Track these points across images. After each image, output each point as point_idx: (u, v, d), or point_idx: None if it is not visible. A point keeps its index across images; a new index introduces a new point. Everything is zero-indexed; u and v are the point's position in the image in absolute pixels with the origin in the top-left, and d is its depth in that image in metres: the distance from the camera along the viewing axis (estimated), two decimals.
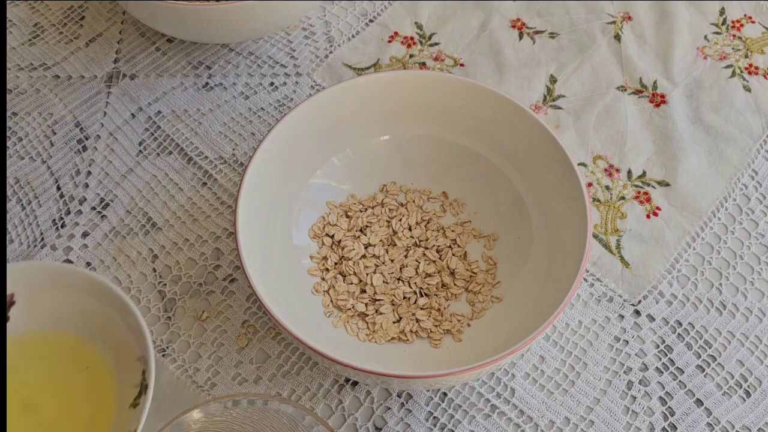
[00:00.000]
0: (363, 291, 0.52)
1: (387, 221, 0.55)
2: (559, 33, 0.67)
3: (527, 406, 0.50)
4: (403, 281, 0.52)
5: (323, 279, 0.52)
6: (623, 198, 0.58)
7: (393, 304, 0.52)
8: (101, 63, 0.65)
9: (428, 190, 0.57)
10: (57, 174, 0.60)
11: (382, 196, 0.56)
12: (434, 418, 0.50)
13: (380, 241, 0.54)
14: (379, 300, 0.51)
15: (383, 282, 0.52)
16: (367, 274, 0.52)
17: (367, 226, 0.55)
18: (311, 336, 0.44)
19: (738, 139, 0.61)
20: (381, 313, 0.51)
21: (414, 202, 0.56)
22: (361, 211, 0.55)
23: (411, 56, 0.66)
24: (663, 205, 0.58)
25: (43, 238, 0.56)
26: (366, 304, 0.51)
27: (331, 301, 0.51)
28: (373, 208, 0.55)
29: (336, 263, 0.53)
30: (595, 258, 0.56)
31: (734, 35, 0.67)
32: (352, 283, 0.52)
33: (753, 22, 0.68)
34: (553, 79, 0.64)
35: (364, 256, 0.53)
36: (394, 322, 0.51)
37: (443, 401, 0.50)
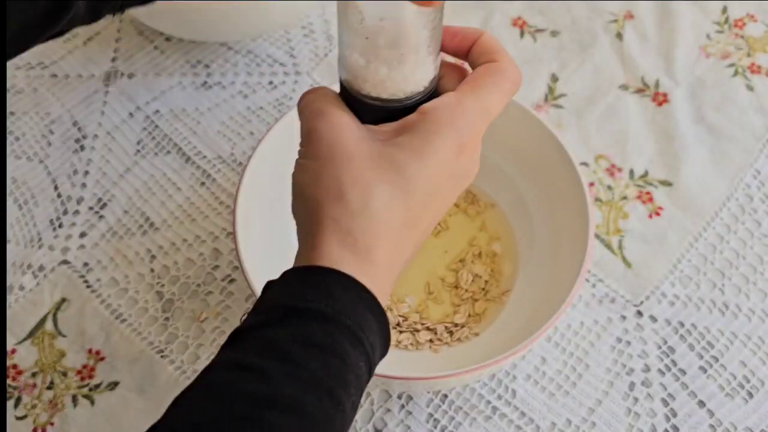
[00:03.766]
0: None
1: None
2: (561, 31, 0.67)
3: (528, 408, 0.50)
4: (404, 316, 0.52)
5: None
6: (625, 198, 0.58)
7: (388, 311, 0.51)
8: (99, 62, 0.65)
9: None
10: (54, 174, 0.59)
11: None
12: (435, 419, 0.49)
13: None
14: None
15: None
16: None
17: None
18: None
19: (741, 138, 0.61)
20: None
21: None
22: None
23: None
24: (665, 204, 0.58)
25: (40, 238, 0.56)
26: None
27: None
28: None
29: None
30: (597, 258, 0.55)
31: (737, 34, 0.67)
32: None
33: (755, 21, 0.67)
34: (554, 78, 0.64)
35: None
36: (393, 328, 0.51)
37: (444, 403, 0.50)
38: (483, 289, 0.52)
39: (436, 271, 0.53)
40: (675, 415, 0.50)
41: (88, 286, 0.54)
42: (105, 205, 0.58)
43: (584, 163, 0.59)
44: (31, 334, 0.52)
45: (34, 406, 0.50)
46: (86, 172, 0.59)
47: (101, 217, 0.57)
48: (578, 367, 0.51)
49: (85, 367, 0.51)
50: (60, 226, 0.57)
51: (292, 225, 0.54)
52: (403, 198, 0.33)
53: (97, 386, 0.51)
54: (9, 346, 0.52)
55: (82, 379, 0.51)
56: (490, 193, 0.55)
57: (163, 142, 0.61)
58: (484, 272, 0.52)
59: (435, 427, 0.49)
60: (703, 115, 0.62)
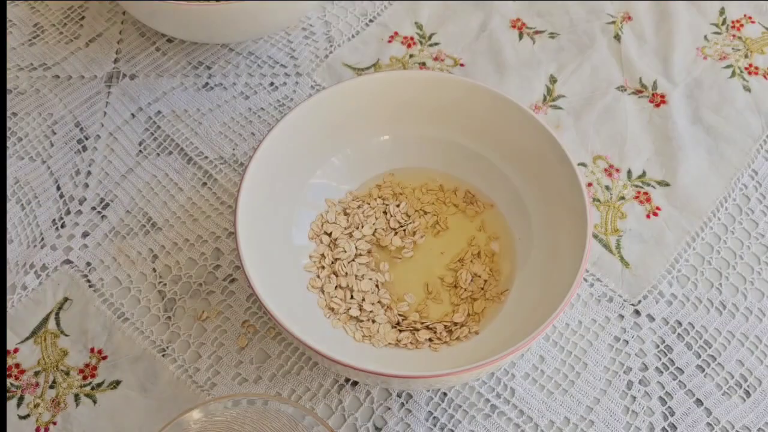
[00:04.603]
0: (351, 296, 0.52)
1: (383, 212, 0.55)
2: (559, 33, 0.67)
3: (527, 406, 0.50)
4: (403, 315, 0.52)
5: (318, 276, 0.52)
6: (623, 198, 0.58)
7: (388, 310, 0.52)
8: (101, 63, 0.65)
9: (426, 185, 0.57)
10: (57, 174, 0.59)
11: (377, 191, 0.56)
12: (434, 418, 0.50)
13: (373, 234, 0.54)
14: (370, 311, 0.51)
15: (372, 290, 0.52)
16: (356, 277, 0.52)
17: (364, 222, 0.55)
18: (311, 336, 0.44)
19: (738, 139, 0.61)
20: (375, 321, 0.51)
21: (413, 193, 0.56)
22: (358, 207, 0.55)
23: (411, 56, 0.66)
24: (663, 205, 0.58)
25: (42, 238, 0.56)
26: (360, 309, 0.51)
27: (326, 302, 0.51)
28: (368, 202, 0.55)
29: (332, 262, 0.53)
30: (595, 258, 0.56)
31: (734, 35, 0.67)
32: (339, 287, 0.52)
33: (753, 22, 0.68)
34: (553, 79, 0.64)
35: (359, 255, 0.53)
36: (392, 327, 0.51)
37: (443, 401, 0.50)
38: (482, 288, 0.52)
39: (435, 270, 0.54)
40: (672, 413, 0.50)
41: (90, 286, 0.54)
42: (107, 205, 0.58)
43: (582, 164, 0.60)
44: (33, 333, 0.53)
45: (36, 405, 0.50)
46: (88, 173, 0.59)
47: (104, 217, 0.58)
48: (576, 366, 0.52)
49: (87, 366, 0.52)
50: (62, 226, 0.57)
51: (293, 225, 0.55)
52: None
53: (100, 385, 0.51)
54: (12, 346, 0.52)
55: (85, 378, 0.51)
56: (489, 193, 0.56)
57: (165, 143, 0.61)
58: (483, 272, 0.53)
59: (434, 425, 0.49)
60: (701, 116, 0.62)
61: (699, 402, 0.50)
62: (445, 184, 0.57)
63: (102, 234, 0.57)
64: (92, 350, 0.52)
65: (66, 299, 0.54)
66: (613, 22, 0.67)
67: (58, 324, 0.53)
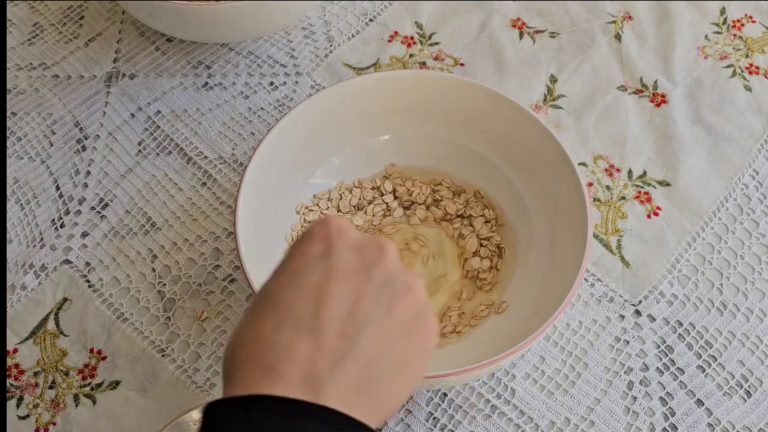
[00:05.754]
0: None
1: (394, 197, 0.55)
2: (560, 33, 0.67)
3: (527, 407, 0.50)
4: None
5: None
6: (624, 198, 0.58)
7: None
8: (101, 62, 0.65)
9: (434, 180, 0.57)
10: (56, 174, 0.59)
11: (381, 182, 0.56)
12: (434, 418, 0.50)
13: (376, 216, 0.54)
14: None
15: None
16: None
17: (371, 201, 0.55)
18: None
19: (739, 138, 0.61)
20: None
21: (417, 189, 0.56)
22: (372, 188, 0.56)
23: (411, 56, 0.66)
24: (663, 205, 0.58)
25: (42, 238, 0.56)
26: None
27: None
28: (378, 187, 0.56)
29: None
30: (595, 258, 0.56)
31: (735, 35, 0.67)
32: None
33: (754, 21, 0.68)
34: (553, 79, 0.64)
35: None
36: None
37: (443, 401, 0.50)
38: (484, 287, 0.52)
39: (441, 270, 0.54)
40: (673, 413, 0.50)
41: (89, 286, 0.54)
42: (107, 205, 0.58)
43: (583, 164, 0.60)
44: (33, 333, 0.53)
45: (36, 406, 0.50)
46: (88, 173, 0.59)
47: (103, 217, 0.57)
48: (577, 366, 0.51)
49: (86, 366, 0.52)
50: (62, 226, 0.57)
51: (292, 225, 0.54)
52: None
53: (99, 385, 0.51)
54: (11, 346, 0.52)
55: (84, 378, 0.51)
56: (489, 192, 0.56)
57: (164, 143, 0.61)
58: (485, 271, 0.53)
59: (435, 426, 0.49)
60: (701, 115, 0.62)
61: (700, 402, 0.50)
62: (446, 182, 0.57)
63: (101, 234, 0.57)
64: (91, 350, 0.52)
65: (65, 299, 0.54)
66: (614, 22, 0.67)
67: (57, 324, 0.53)
